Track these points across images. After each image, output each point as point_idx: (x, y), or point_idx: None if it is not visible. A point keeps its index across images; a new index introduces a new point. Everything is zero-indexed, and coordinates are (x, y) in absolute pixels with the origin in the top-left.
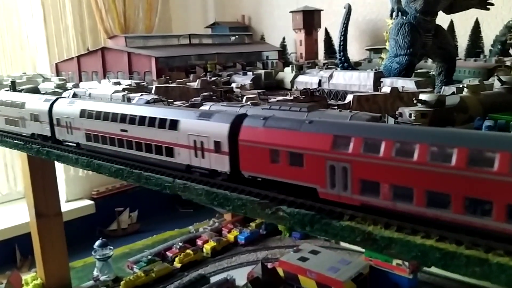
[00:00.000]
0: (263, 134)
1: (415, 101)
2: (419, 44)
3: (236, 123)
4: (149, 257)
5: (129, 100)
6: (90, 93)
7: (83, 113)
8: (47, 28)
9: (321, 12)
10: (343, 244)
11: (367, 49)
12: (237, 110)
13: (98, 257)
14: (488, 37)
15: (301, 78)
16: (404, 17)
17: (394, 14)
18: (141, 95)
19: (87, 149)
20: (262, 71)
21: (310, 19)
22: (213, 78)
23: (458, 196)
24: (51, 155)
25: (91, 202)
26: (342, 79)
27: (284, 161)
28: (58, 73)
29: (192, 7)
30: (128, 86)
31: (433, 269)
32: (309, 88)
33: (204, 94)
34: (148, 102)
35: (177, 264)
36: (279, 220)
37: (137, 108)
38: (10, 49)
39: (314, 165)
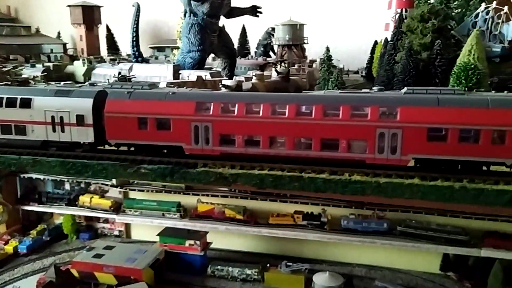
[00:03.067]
0: (131, 105)
1: (220, 86)
2: (208, 42)
3: (99, 98)
4: None
5: None
6: None
7: None
8: None
9: (101, 8)
10: (136, 237)
11: (150, 47)
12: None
13: None
14: (253, 40)
15: (98, 70)
16: (194, 18)
17: (187, 15)
18: None
19: None
20: (50, 64)
21: (90, 14)
22: (4, 69)
23: (290, 138)
24: None
25: None
26: (142, 71)
27: (151, 127)
28: None
29: None
30: None
31: (219, 245)
32: (125, 76)
33: (1, 84)
34: None
35: None
36: (142, 176)
37: None
38: None
39: (180, 127)
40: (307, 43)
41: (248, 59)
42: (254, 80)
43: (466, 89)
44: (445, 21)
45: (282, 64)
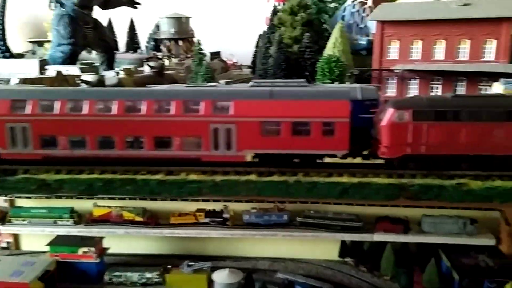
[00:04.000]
0: None
1: (79, 81)
2: (80, 35)
3: None
4: None
5: None
6: None
7: None
8: None
9: None
10: (27, 247)
11: (30, 41)
12: None
13: None
14: (144, 34)
15: None
16: (63, 9)
17: (53, 5)
18: None
19: None
20: None
21: None
22: None
23: (120, 137)
24: None
25: None
26: (5, 67)
27: None
28: None
29: None
30: None
31: (118, 250)
32: None
33: None
34: None
35: None
36: None
37: None
38: None
39: None
40: (194, 37)
41: (132, 53)
42: (121, 75)
43: (331, 81)
44: (318, 14)
45: (170, 58)
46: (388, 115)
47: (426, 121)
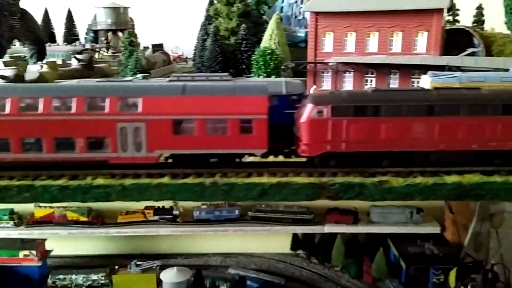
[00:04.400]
0: None
1: None
2: (6, 26)
3: None
4: None
5: None
6: None
7: None
8: None
9: None
10: None
11: None
12: None
13: None
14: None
15: None
16: None
17: None
18: None
19: None
20: None
21: None
22: None
23: (15, 138)
24: None
25: None
26: None
27: None
28: None
29: None
30: None
31: (63, 252)
32: None
33: None
34: None
35: None
36: None
37: None
38: None
39: None
40: (135, 28)
41: (65, 45)
42: (44, 68)
43: (265, 75)
44: (258, 5)
45: (108, 50)
46: (307, 111)
47: (345, 117)
